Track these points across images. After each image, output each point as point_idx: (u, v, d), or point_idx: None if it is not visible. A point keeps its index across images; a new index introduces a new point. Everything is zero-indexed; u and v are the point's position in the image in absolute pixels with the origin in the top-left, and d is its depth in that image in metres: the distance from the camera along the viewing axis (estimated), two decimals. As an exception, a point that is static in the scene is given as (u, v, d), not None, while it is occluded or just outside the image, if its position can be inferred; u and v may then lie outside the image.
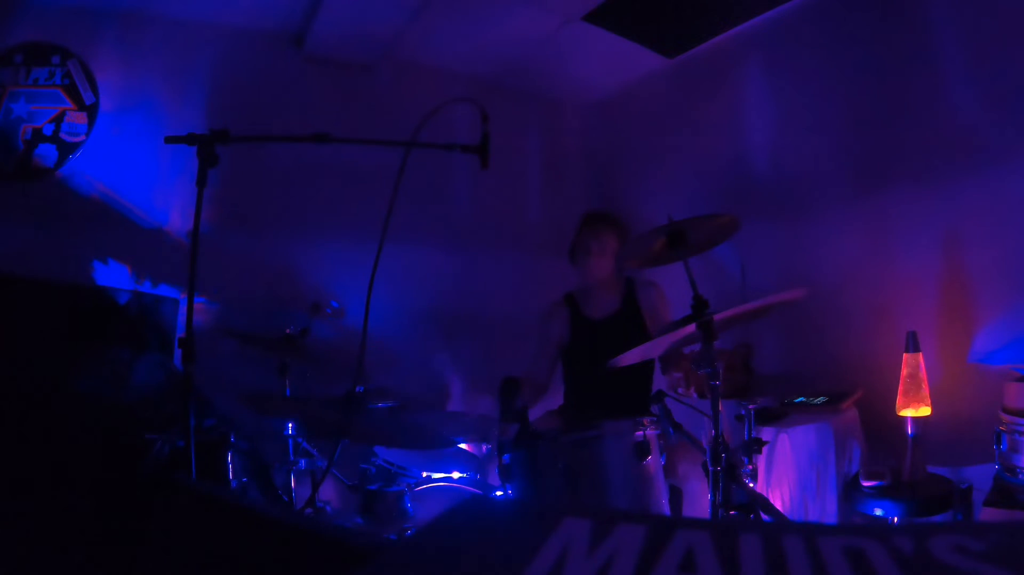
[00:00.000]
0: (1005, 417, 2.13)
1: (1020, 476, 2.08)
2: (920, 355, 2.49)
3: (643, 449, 1.92)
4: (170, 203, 3.27)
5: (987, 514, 2.11)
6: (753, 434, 2.00)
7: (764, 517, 1.75)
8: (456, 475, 2.60)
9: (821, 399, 2.82)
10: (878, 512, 2.30)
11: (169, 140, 1.70)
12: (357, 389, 1.81)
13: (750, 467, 1.91)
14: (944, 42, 2.75)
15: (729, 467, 1.70)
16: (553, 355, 2.83)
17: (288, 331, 2.90)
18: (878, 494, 2.30)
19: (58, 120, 3.10)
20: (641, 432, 1.94)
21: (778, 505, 2.37)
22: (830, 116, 3.19)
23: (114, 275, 3.14)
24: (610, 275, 2.76)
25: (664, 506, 1.98)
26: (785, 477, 2.54)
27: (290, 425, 2.77)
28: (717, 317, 1.74)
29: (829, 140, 3.21)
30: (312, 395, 2.93)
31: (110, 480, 2.13)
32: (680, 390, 2.99)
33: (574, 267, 2.81)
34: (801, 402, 2.84)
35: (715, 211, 1.93)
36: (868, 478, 2.33)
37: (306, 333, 2.97)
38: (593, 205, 4.05)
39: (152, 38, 3.31)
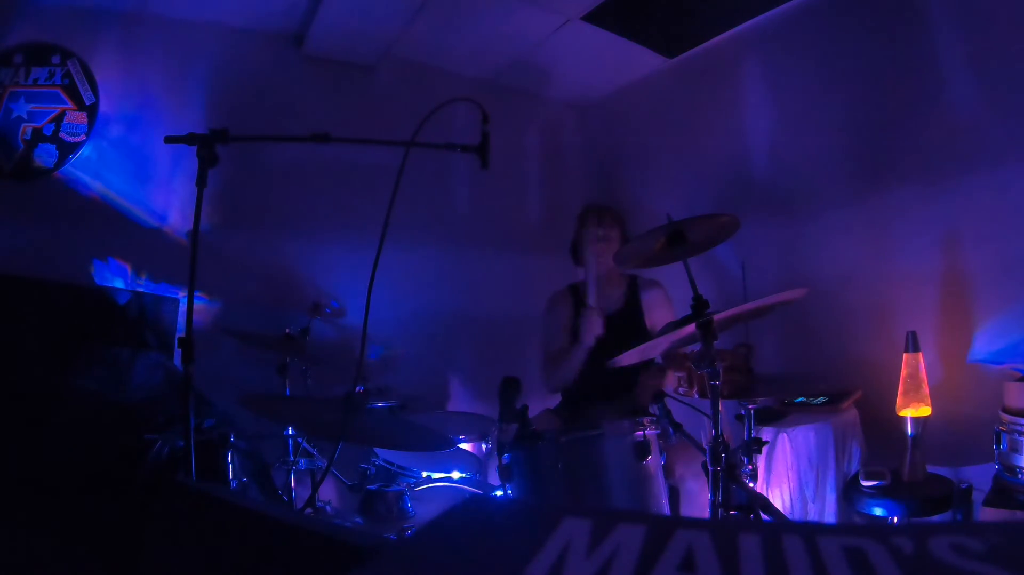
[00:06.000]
0: (1005, 417, 2.13)
1: (1020, 476, 2.08)
2: (920, 355, 2.49)
3: (643, 449, 1.92)
4: (170, 203, 3.27)
5: (987, 514, 2.11)
6: (753, 434, 2.00)
7: (764, 517, 1.75)
8: (456, 475, 2.60)
9: (821, 399, 2.82)
10: (878, 512, 2.30)
11: (169, 140, 1.70)
12: (357, 389, 1.80)
13: (750, 467, 1.91)
14: (944, 42, 2.75)
15: (729, 467, 1.71)
16: (567, 338, 2.81)
17: (288, 331, 2.90)
18: (878, 494, 2.30)
19: (58, 120, 3.10)
20: (641, 432, 1.94)
21: (778, 505, 2.37)
22: (830, 116, 3.19)
23: (114, 275, 3.14)
24: (614, 269, 2.75)
25: (664, 506, 1.98)
26: (785, 477, 2.55)
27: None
28: (717, 317, 1.74)
29: (829, 140, 3.21)
30: (312, 395, 2.93)
31: (110, 480, 2.13)
32: (681, 390, 2.99)
33: (577, 263, 2.80)
34: (801, 402, 2.84)
35: (715, 211, 1.93)
36: (868, 478, 2.33)
37: (306, 333, 2.97)
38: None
39: (152, 38, 3.31)
